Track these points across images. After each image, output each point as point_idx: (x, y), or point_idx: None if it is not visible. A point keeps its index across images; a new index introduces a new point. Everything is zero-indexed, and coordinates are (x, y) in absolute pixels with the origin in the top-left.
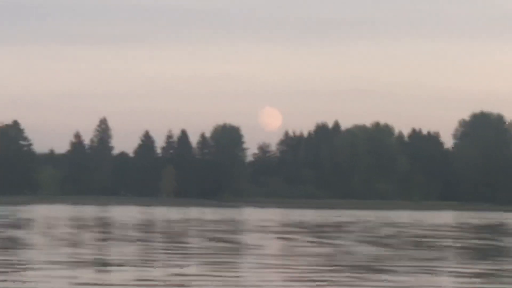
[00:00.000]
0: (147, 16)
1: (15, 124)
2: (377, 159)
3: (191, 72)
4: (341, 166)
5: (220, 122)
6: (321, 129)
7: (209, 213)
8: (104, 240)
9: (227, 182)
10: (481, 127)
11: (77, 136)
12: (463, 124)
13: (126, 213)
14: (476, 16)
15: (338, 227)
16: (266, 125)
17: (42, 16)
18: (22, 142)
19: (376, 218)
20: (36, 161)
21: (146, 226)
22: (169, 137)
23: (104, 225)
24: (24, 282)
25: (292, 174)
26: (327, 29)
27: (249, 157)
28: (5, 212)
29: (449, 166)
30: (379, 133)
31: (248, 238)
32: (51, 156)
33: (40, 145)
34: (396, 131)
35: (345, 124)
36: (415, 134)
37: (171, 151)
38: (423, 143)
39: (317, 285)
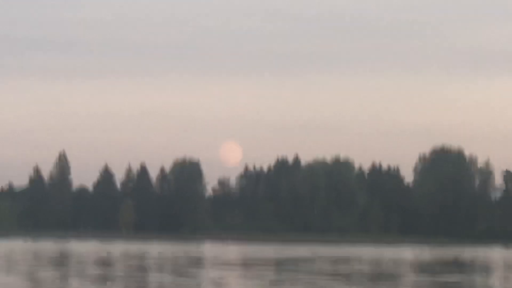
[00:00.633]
0: (105, 50)
1: None
2: (336, 193)
3: (150, 105)
4: (301, 200)
5: (180, 155)
6: (281, 163)
7: (169, 248)
8: (63, 277)
9: (186, 217)
10: (441, 161)
11: (36, 170)
12: (423, 158)
13: (84, 248)
14: (436, 50)
15: (295, 262)
16: (226, 159)
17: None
18: None
19: (332, 253)
20: None
21: (105, 262)
22: (129, 171)
23: (63, 260)
24: None
25: (252, 208)
26: (287, 63)
27: (209, 191)
28: None
29: (409, 201)
30: (339, 167)
31: (207, 273)
32: (10, 191)
33: None
34: (357, 165)
35: (305, 158)
36: (375, 169)
37: (131, 185)
38: (383, 177)
39: None
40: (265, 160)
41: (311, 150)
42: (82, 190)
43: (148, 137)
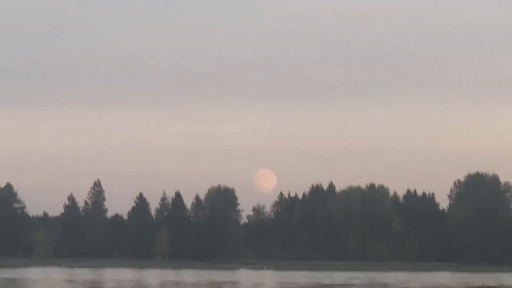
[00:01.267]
0: (141, 79)
1: (8, 186)
2: (371, 220)
3: (185, 133)
4: (336, 227)
5: (215, 183)
6: (316, 190)
7: (204, 276)
8: None
9: (221, 244)
10: (476, 188)
11: (71, 198)
12: (458, 184)
13: (120, 276)
14: (472, 78)
15: None
16: (260, 187)
17: (36, 78)
18: (15, 205)
19: (369, 280)
20: (29, 223)
21: None
22: (163, 199)
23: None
24: None
25: (286, 235)
26: (323, 90)
27: (244, 219)
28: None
29: (444, 227)
30: (374, 194)
31: None
32: (45, 219)
33: (33, 208)
34: (391, 192)
35: (340, 185)
36: (410, 195)
37: (165, 213)
38: (418, 204)
39: None
40: (299, 188)
41: (346, 177)
42: (117, 218)
43: (182, 165)
